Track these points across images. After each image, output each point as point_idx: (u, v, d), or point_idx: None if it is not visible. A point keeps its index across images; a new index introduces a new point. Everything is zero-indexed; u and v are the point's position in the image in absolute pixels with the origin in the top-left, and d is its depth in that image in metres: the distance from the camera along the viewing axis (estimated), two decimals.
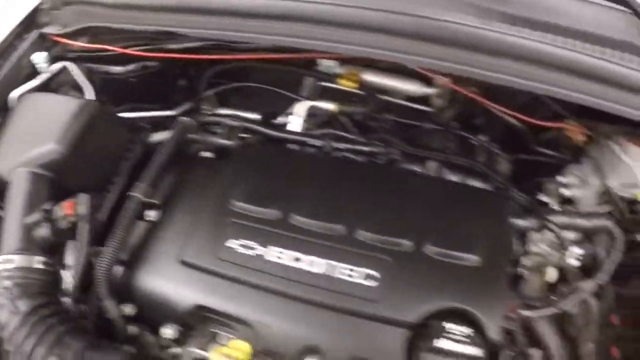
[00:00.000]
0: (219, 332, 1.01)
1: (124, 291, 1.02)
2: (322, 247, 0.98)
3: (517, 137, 1.33)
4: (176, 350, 1.03)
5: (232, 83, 1.43)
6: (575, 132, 1.19)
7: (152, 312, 1.01)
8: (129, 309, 1.01)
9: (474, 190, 1.16)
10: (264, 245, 0.98)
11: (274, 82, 1.40)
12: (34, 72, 1.24)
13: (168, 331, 0.99)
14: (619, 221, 1.22)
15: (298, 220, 1.01)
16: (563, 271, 1.15)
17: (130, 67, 1.28)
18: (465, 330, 0.88)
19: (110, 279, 0.99)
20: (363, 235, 0.99)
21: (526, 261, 1.15)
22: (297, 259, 0.96)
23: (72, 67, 1.25)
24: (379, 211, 1.04)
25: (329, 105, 1.27)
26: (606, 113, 0.99)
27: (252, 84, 1.42)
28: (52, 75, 1.24)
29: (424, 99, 1.33)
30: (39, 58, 1.24)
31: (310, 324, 0.94)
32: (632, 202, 1.24)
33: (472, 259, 0.97)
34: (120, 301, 1.00)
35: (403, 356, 0.90)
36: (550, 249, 1.15)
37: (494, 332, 0.91)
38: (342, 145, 1.18)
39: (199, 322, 1.00)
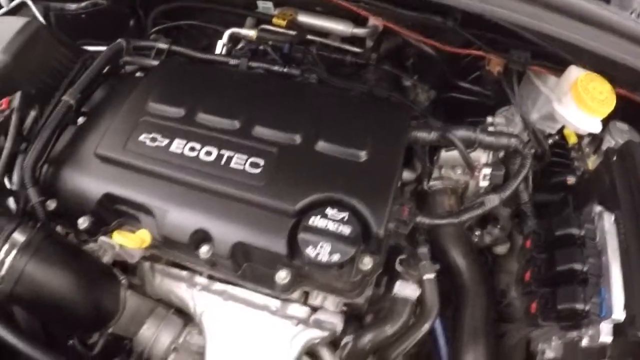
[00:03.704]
0: (127, 223, 1.07)
1: (49, 187, 1.10)
2: (218, 139, 1.03)
3: (444, 76, 1.37)
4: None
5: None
6: (494, 63, 1.22)
7: (72, 206, 1.08)
8: (53, 205, 1.08)
9: (378, 101, 1.19)
10: (168, 138, 1.04)
11: (217, 23, 1.48)
12: None
13: (82, 222, 1.06)
14: (541, 157, 1.24)
15: (201, 117, 1.07)
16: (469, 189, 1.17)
17: (82, 4, 1.39)
18: (343, 214, 0.91)
19: (35, 171, 1.08)
20: (257, 130, 1.04)
21: (434, 182, 1.18)
22: (194, 149, 1.02)
23: (30, 3, 1.38)
24: (279, 112, 1.08)
25: (249, 32, 1.34)
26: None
27: (195, 22, 1.52)
28: (11, 9, 1.37)
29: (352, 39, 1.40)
30: None
31: (201, 209, 0.98)
32: (550, 137, 1.25)
33: (360, 155, 1.00)
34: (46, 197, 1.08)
35: (285, 240, 0.93)
36: (460, 169, 1.17)
37: (376, 225, 0.93)
38: (257, 64, 1.24)
39: (108, 213, 1.06)
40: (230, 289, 1.08)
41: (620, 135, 1.27)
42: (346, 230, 0.89)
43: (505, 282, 1.25)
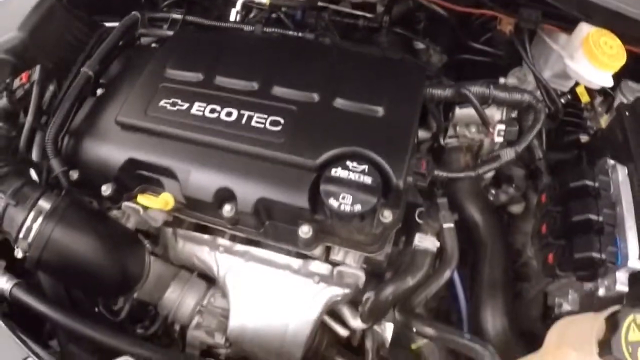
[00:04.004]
0: (149, 188, 1.09)
1: (70, 158, 1.12)
2: (238, 100, 1.05)
3: (456, 38, 1.38)
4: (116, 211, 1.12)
5: None
6: (505, 23, 1.23)
7: (94, 175, 1.10)
8: (75, 175, 1.11)
9: (393, 60, 1.20)
10: (188, 102, 1.06)
11: None
12: None
13: (105, 189, 1.08)
14: (554, 115, 1.25)
15: (220, 80, 1.09)
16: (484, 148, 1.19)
17: None
18: (363, 166, 0.93)
19: (57, 143, 1.10)
20: (276, 90, 1.06)
21: (449, 139, 1.20)
22: (214, 111, 1.04)
23: None
24: (296, 72, 1.10)
25: None
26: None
27: None
28: None
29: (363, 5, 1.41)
30: None
31: (224, 168, 1.00)
32: (563, 96, 1.27)
33: (378, 110, 1.02)
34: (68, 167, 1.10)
35: (307, 194, 0.95)
36: (474, 128, 1.19)
37: (396, 177, 0.94)
38: (272, 30, 1.26)
39: (131, 179, 1.08)
40: (252, 249, 1.10)
41: (631, 93, 1.28)
42: (367, 180, 0.91)
43: (521, 242, 1.27)
